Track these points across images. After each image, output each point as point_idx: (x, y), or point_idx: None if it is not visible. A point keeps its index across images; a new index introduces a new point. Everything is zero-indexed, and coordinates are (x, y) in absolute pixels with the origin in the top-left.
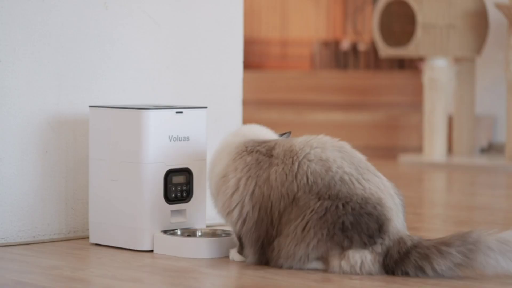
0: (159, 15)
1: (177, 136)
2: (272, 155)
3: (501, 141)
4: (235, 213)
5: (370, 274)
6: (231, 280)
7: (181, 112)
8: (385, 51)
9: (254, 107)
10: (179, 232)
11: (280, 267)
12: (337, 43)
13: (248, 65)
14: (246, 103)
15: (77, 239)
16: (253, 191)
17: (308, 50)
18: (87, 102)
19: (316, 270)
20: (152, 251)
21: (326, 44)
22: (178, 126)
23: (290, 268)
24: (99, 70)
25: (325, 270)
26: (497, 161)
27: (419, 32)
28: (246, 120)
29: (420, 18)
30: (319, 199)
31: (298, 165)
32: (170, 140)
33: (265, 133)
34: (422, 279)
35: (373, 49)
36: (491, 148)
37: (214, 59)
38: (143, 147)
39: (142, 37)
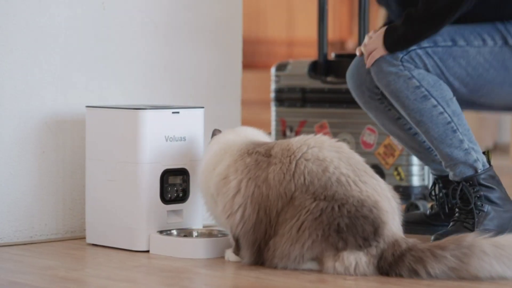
0: (157, 15)
1: (174, 136)
2: (270, 155)
3: (506, 141)
4: (238, 215)
5: (364, 275)
6: (225, 280)
7: (178, 112)
8: None
9: (259, 107)
10: (175, 232)
11: (275, 267)
12: (342, 43)
13: (254, 65)
14: (251, 103)
15: (74, 239)
16: (253, 192)
17: (314, 50)
18: (84, 102)
19: (311, 270)
20: (148, 251)
21: (331, 44)
22: (174, 126)
23: (285, 268)
24: (97, 70)
25: (320, 271)
26: (502, 161)
27: None
28: (250, 120)
29: None
30: (314, 199)
31: (296, 164)
32: (167, 140)
33: (263, 136)
34: (415, 280)
35: None
36: (496, 149)
37: (213, 59)
38: (139, 147)
39: (140, 37)
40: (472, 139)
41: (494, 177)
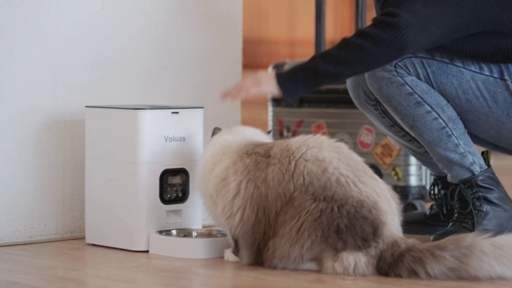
0: (157, 14)
1: (173, 136)
2: (269, 155)
3: None
4: (237, 217)
5: (363, 276)
6: (224, 280)
7: (177, 112)
8: None
9: (261, 107)
10: (174, 232)
11: (274, 267)
12: None
13: (256, 65)
14: (254, 103)
15: (74, 239)
16: (253, 193)
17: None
18: (84, 102)
19: (310, 271)
20: (147, 251)
21: (333, 43)
22: (174, 126)
23: (284, 268)
24: (96, 70)
25: (319, 271)
26: (504, 161)
27: None
28: (250, 120)
29: None
30: (314, 200)
31: (295, 165)
32: (166, 140)
33: (262, 135)
34: (414, 280)
35: None
36: None
37: (213, 59)
38: (138, 147)
39: (140, 37)
40: (468, 142)
41: (492, 178)
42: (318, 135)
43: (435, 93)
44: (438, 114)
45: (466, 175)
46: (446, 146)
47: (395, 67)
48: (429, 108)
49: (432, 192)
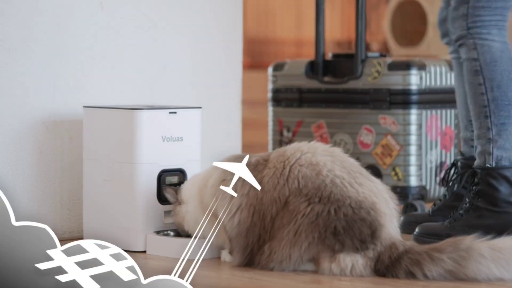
0: (156, 14)
1: (171, 136)
2: (268, 159)
3: None
4: (236, 219)
5: (361, 277)
6: (219, 281)
7: (175, 113)
8: (397, 50)
9: (263, 106)
10: (172, 233)
11: (271, 270)
12: (350, 43)
13: (263, 65)
14: (259, 103)
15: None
16: (249, 191)
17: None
18: (82, 102)
19: (306, 271)
20: (145, 251)
21: (339, 44)
22: (171, 126)
23: (282, 271)
24: (95, 70)
25: (316, 272)
26: None
27: (430, 32)
28: (254, 120)
29: (431, 18)
30: (309, 202)
31: (289, 170)
32: (164, 141)
33: None
34: (411, 281)
35: (386, 49)
36: None
37: (213, 59)
38: (136, 147)
39: (139, 37)
40: (501, 133)
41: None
42: (312, 142)
43: (496, 67)
44: (486, 91)
45: (481, 160)
46: (480, 125)
47: (468, 27)
48: (481, 81)
49: (448, 173)
